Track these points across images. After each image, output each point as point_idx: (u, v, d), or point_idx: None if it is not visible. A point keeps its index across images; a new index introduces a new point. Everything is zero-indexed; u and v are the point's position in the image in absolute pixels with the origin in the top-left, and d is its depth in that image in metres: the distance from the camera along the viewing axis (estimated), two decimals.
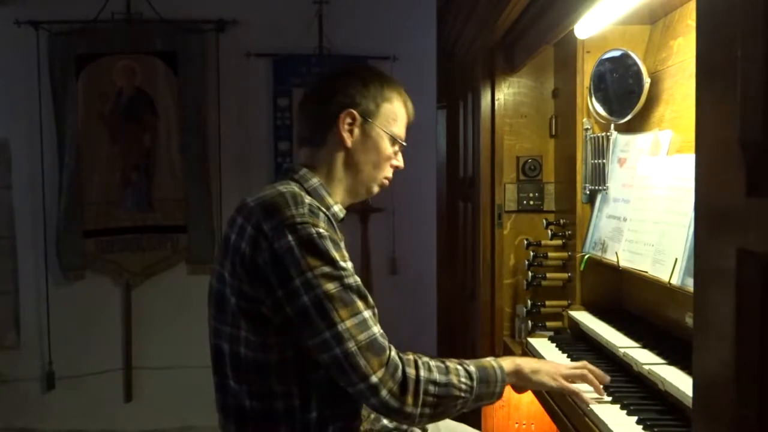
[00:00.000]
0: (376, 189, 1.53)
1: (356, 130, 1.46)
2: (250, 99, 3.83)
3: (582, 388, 1.49)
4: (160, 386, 3.82)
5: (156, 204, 3.79)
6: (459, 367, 1.36)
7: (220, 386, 1.41)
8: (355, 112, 1.45)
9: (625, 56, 1.95)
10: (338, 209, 1.46)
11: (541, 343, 2.02)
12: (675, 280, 1.51)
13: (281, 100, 3.82)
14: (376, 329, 1.29)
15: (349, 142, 1.46)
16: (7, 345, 3.80)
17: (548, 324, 2.24)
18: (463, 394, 1.34)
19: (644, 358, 1.55)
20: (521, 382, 1.46)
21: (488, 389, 1.38)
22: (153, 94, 3.76)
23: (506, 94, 2.53)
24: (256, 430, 1.37)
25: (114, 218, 3.77)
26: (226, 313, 1.35)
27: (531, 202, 2.51)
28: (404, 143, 1.54)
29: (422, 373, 1.30)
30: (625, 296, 2.06)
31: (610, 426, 1.35)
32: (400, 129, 1.52)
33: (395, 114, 1.50)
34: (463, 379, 1.34)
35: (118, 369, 3.84)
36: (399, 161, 1.54)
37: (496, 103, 2.54)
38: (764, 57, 0.61)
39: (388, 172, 1.53)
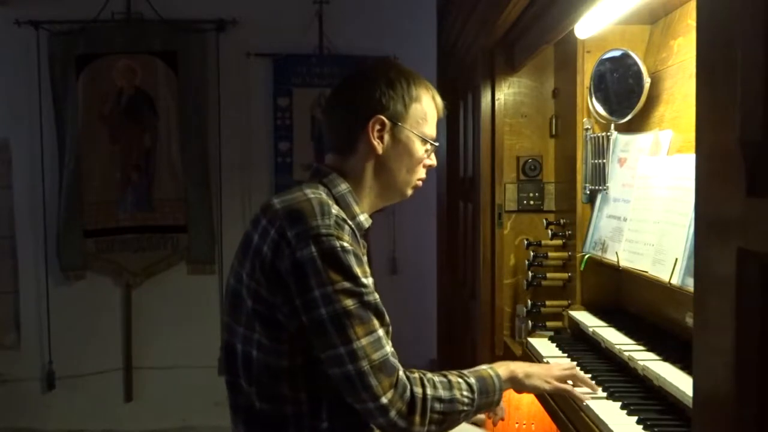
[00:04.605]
0: (410, 192, 1.48)
1: (386, 136, 1.40)
2: (250, 99, 3.84)
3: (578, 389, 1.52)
4: (160, 386, 3.82)
5: (156, 204, 3.79)
6: (460, 380, 1.37)
7: (231, 384, 1.40)
8: (383, 117, 1.39)
9: (625, 56, 1.95)
10: (364, 219, 1.41)
11: (541, 343, 2.02)
12: (675, 280, 1.51)
13: (281, 100, 3.82)
14: (389, 349, 1.28)
15: (380, 149, 1.40)
16: (7, 345, 3.81)
17: (548, 324, 2.24)
18: (465, 408, 1.35)
19: (644, 357, 1.55)
20: (516, 386, 1.48)
21: (488, 399, 1.40)
22: (153, 94, 3.76)
23: (506, 94, 2.53)
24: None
25: (114, 218, 3.77)
26: (241, 313, 1.34)
27: (531, 202, 2.51)
28: (436, 143, 1.48)
29: (428, 391, 1.30)
30: (625, 296, 2.06)
31: (610, 426, 1.35)
32: (430, 128, 1.46)
33: (424, 113, 1.44)
34: (465, 393, 1.35)
35: (118, 369, 3.85)
36: (432, 160, 1.49)
37: (496, 103, 2.54)
38: (764, 57, 0.61)
39: (422, 174, 1.47)
